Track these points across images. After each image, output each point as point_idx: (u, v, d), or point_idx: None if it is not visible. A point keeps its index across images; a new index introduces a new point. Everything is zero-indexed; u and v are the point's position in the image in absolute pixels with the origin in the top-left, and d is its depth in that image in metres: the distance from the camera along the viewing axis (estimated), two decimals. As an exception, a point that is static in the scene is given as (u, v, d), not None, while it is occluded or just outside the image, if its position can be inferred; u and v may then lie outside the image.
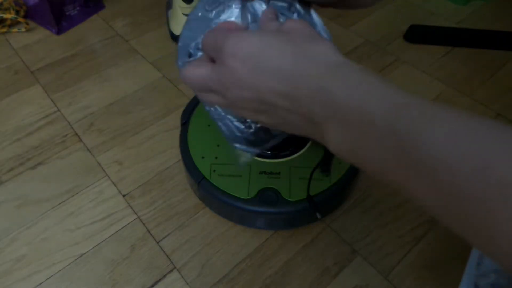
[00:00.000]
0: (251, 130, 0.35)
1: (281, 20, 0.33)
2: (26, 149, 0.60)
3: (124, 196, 0.55)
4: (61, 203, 0.54)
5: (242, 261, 0.48)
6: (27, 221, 0.52)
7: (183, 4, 0.72)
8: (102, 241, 0.50)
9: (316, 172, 0.49)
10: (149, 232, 0.51)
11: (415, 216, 0.52)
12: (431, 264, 0.48)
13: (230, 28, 0.31)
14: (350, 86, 0.25)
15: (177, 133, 0.56)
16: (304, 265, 0.48)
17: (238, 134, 0.35)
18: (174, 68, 0.73)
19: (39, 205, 0.54)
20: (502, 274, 0.37)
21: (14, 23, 0.81)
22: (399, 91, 0.24)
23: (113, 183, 0.56)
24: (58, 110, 0.66)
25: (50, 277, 0.47)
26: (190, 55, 0.36)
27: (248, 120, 0.34)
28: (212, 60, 0.31)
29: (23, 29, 0.80)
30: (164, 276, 0.47)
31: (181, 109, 0.58)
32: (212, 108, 0.35)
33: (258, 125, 0.35)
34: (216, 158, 0.51)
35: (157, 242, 0.50)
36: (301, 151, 0.51)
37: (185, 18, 0.74)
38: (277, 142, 0.37)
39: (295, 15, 0.34)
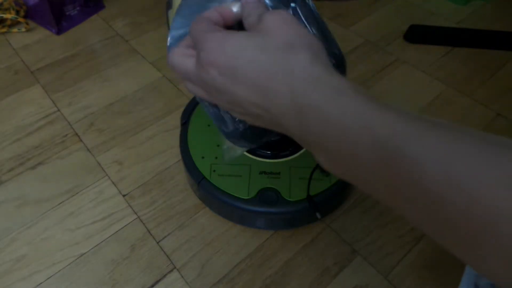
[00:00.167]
0: (243, 126, 0.34)
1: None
2: (26, 149, 0.60)
3: (124, 196, 0.55)
4: (61, 203, 0.54)
5: (242, 261, 0.48)
6: (27, 221, 0.52)
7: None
8: (102, 241, 0.50)
9: (316, 172, 0.49)
10: (149, 232, 0.51)
11: (415, 216, 0.52)
12: (431, 264, 0.48)
13: (214, 20, 0.30)
14: (325, 105, 0.24)
15: (177, 133, 0.56)
16: (304, 265, 0.48)
17: (231, 128, 0.35)
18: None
19: (39, 205, 0.54)
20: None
21: (14, 23, 0.81)
22: (379, 110, 0.23)
23: (113, 183, 0.56)
24: (58, 110, 0.66)
25: (50, 277, 0.47)
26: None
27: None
28: None
29: (23, 29, 0.80)
30: (164, 276, 0.47)
31: (181, 109, 0.58)
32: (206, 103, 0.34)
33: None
34: (216, 158, 0.51)
35: (157, 242, 0.50)
36: (301, 151, 0.51)
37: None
38: (274, 138, 0.37)
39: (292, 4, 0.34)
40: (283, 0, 0.33)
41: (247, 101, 0.27)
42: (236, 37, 0.27)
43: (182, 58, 0.31)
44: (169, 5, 0.90)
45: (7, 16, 0.78)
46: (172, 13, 0.83)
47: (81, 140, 0.62)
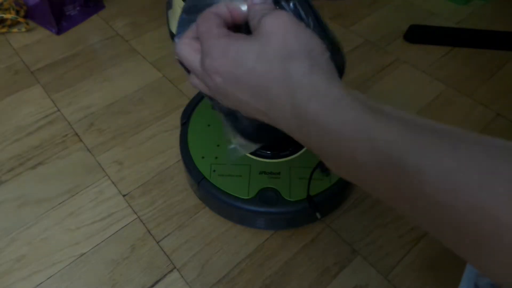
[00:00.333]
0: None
1: None
2: (26, 149, 0.60)
3: (124, 196, 0.55)
4: (61, 203, 0.54)
5: (242, 261, 0.48)
6: (27, 221, 0.52)
7: (183, 4, 0.72)
8: (102, 241, 0.50)
9: (316, 172, 0.49)
10: (149, 232, 0.51)
11: (415, 216, 0.52)
12: (431, 264, 0.48)
13: (223, 17, 0.30)
14: (324, 116, 0.24)
15: (177, 133, 0.56)
16: (304, 265, 0.48)
17: (245, 123, 0.35)
18: (174, 68, 0.73)
19: (39, 205, 0.54)
20: (502, 274, 0.37)
21: (14, 23, 0.81)
22: (379, 119, 0.23)
23: (113, 183, 0.56)
24: (58, 110, 0.66)
25: (50, 277, 0.47)
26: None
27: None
28: None
29: (23, 29, 0.80)
30: (164, 276, 0.47)
31: (181, 109, 0.58)
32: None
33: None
34: (216, 158, 0.51)
35: (157, 242, 0.50)
36: (301, 151, 0.51)
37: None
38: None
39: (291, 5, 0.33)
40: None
41: (250, 107, 0.28)
42: (238, 45, 0.27)
43: (190, 51, 0.30)
44: (169, 5, 0.90)
45: (7, 16, 0.78)
46: (172, 13, 0.83)
47: (81, 140, 0.62)
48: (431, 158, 0.20)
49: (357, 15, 0.84)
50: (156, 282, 0.47)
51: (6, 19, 0.79)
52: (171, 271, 0.48)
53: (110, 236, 0.51)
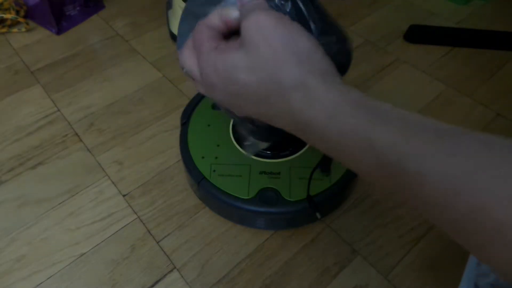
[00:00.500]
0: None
1: None
2: (26, 149, 0.60)
3: (124, 196, 0.55)
4: (61, 203, 0.54)
5: (242, 261, 0.48)
6: (27, 221, 0.52)
7: (183, 4, 0.72)
8: (102, 241, 0.50)
9: (316, 172, 0.49)
10: (149, 232, 0.51)
11: (415, 216, 0.52)
12: (431, 264, 0.48)
13: (216, 28, 0.29)
14: (323, 123, 0.24)
15: (177, 133, 0.56)
16: (304, 265, 0.48)
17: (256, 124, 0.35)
18: (174, 68, 0.73)
19: (39, 205, 0.54)
20: (502, 274, 0.37)
21: (14, 23, 0.81)
22: (378, 122, 0.22)
23: (113, 183, 0.56)
24: (58, 110, 0.66)
25: (50, 277, 0.47)
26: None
27: None
28: None
29: (23, 29, 0.80)
30: (164, 276, 0.47)
31: (181, 109, 0.58)
32: None
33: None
34: (216, 158, 0.51)
35: (157, 242, 0.50)
36: (301, 151, 0.51)
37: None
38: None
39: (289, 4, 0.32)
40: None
41: (254, 114, 0.28)
42: (226, 59, 0.27)
43: (191, 63, 0.30)
44: (169, 5, 0.90)
45: (7, 16, 0.78)
46: (172, 13, 0.83)
47: (81, 140, 0.62)
48: (431, 160, 0.20)
49: (357, 15, 0.84)
50: (156, 282, 0.47)
51: (6, 19, 0.79)
52: (171, 271, 0.48)
53: (110, 236, 0.51)
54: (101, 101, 0.67)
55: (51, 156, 0.59)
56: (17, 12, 0.80)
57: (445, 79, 0.71)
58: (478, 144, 0.20)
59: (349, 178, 0.49)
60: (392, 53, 0.76)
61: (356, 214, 0.52)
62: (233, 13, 0.29)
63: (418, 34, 0.79)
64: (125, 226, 0.52)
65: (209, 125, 0.54)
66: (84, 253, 0.49)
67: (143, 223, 0.52)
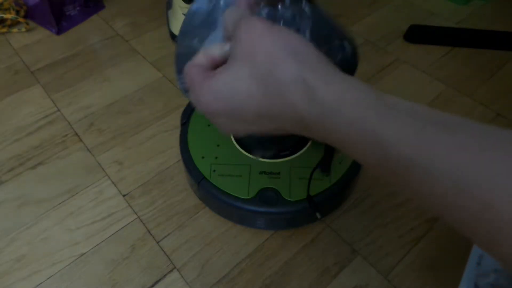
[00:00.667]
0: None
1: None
2: (26, 149, 0.60)
3: (124, 196, 0.55)
4: (61, 203, 0.54)
5: (242, 261, 0.48)
6: (27, 221, 0.52)
7: (183, 4, 0.72)
8: (102, 241, 0.50)
9: (316, 172, 0.49)
10: (149, 232, 0.51)
11: (415, 216, 0.52)
12: (431, 264, 0.48)
13: (203, 66, 0.30)
14: (327, 119, 0.24)
15: (177, 133, 0.56)
16: (304, 265, 0.48)
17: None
18: (174, 69, 0.73)
19: (39, 205, 0.54)
20: (502, 273, 0.37)
21: (14, 23, 0.81)
22: (383, 114, 0.22)
23: (113, 183, 0.56)
24: (58, 110, 0.66)
25: (50, 277, 0.47)
26: (185, 91, 0.36)
27: None
28: None
29: (23, 29, 0.80)
30: (164, 276, 0.47)
31: (181, 109, 0.58)
32: None
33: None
34: (216, 158, 0.51)
35: (157, 242, 0.50)
36: (301, 151, 0.51)
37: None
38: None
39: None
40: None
41: (258, 129, 0.28)
42: (221, 81, 0.27)
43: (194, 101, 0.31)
44: (169, 5, 0.90)
45: (7, 16, 0.78)
46: (172, 13, 0.83)
47: (81, 140, 0.62)
48: (440, 157, 0.20)
49: (357, 15, 0.84)
50: (156, 282, 0.47)
51: (6, 19, 0.79)
52: (171, 271, 0.48)
53: (110, 236, 0.51)
54: (101, 101, 0.67)
55: (51, 156, 0.59)
56: (17, 12, 0.80)
57: (445, 79, 0.71)
58: (488, 138, 0.20)
59: (349, 178, 0.49)
60: (392, 53, 0.76)
61: (356, 214, 0.52)
62: (217, 51, 0.30)
63: (418, 34, 0.79)
64: (125, 226, 0.52)
65: (209, 125, 0.54)
66: (84, 253, 0.49)
67: (143, 223, 0.52)
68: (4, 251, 0.49)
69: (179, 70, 0.36)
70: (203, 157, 0.51)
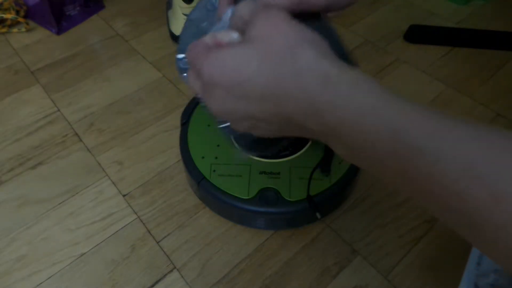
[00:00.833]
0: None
1: None
2: (26, 149, 0.60)
3: (124, 196, 0.55)
4: (61, 203, 0.54)
5: (242, 261, 0.48)
6: (27, 221, 0.52)
7: (183, 4, 0.72)
8: (102, 241, 0.50)
9: (316, 172, 0.49)
10: (149, 232, 0.51)
11: (415, 216, 0.52)
12: (431, 264, 0.48)
13: (207, 45, 0.29)
14: (340, 103, 0.23)
15: (177, 133, 0.56)
16: (304, 265, 0.48)
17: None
18: (174, 68, 0.73)
19: (39, 205, 0.54)
20: (502, 274, 0.37)
21: (14, 23, 0.81)
22: (395, 102, 0.22)
23: (113, 183, 0.56)
24: (58, 110, 0.66)
25: (50, 277, 0.47)
26: (181, 71, 0.36)
27: None
28: None
29: (23, 29, 0.80)
30: (164, 276, 0.47)
31: (181, 109, 0.58)
32: None
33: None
34: (216, 158, 0.51)
35: (157, 242, 0.50)
36: (301, 151, 0.51)
37: (185, 18, 0.74)
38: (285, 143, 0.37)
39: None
40: None
41: (261, 112, 0.27)
42: (233, 52, 0.26)
43: (192, 79, 0.30)
44: (169, 5, 0.90)
45: (7, 16, 0.78)
46: (172, 13, 0.83)
47: (81, 140, 0.62)
48: (451, 145, 0.20)
49: (357, 15, 0.84)
50: (156, 282, 0.47)
51: (6, 19, 0.79)
52: (171, 271, 0.48)
53: (110, 236, 0.51)
54: (101, 101, 0.67)
55: (51, 156, 0.59)
56: (17, 12, 0.80)
57: (445, 79, 0.71)
58: (496, 133, 0.20)
59: (349, 178, 0.49)
60: (392, 53, 0.76)
61: (356, 214, 0.52)
62: (225, 37, 0.29)
63: (418, 34, 0.79)
64: (125, 226, 0.52)
65: (209, 125, 0.54)
66: (84, 253, 0.49)
67: (143, 223, 0.52)
68: (4, 251, 0.49)
69: (181, 50, 0.36)
70: (203, 157, 0.51)
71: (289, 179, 0.49)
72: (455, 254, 0.48)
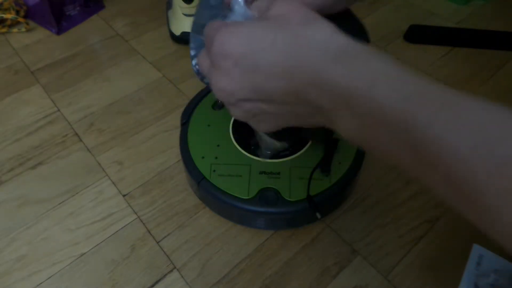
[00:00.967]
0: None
1: None
2: (26, 149, 0.60)
3: (124, 196, 0.55)
4: (61, 203, 0.54)
5: (242, 261, 0.48)
6: (27, 221, 0.52)
7: (183, 4, 0.72)
8: (102, 241, 0.50)
9: (316, 172, 0.49)
10: (149, 232, 0.51)
11: (415, 216, 0.52)
12: (431, 264, 0.48)
13: (225, 23, 0.29)
14: (354, 75, 0.23)
15: (177, 133, 0.56)
16: (304, 265, 0.48)
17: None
18: (174, 68, 0.73)
19: (39, 205, 0.54)
20: (502, 274, 0.37)
21: (14, 23, 0.81)
22: (408, 75, 0.23)
23: (113, 183, 0.56)
24: (58, 110, 0.66)
25: (50, 277, 0.47)
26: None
27: None
28: None
29: (23, 29, 0.80)
30: (164, 276, 0.47)
31: (181, 109, 0.58)
32: None
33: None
34: (216, 158, 0.51)
35: (157, 242, 0.50)
36: (301, 151, 0.51)
37: (185, 18, 0.74)
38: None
39: None
40: None
41: (266, 88, 0.27)
42: (250, 24, 0.27)
43: (201, 60, 0.30)
44: (169, 5, 0.90)
45: (7, 16, 0.78)
46: (172, 13, 0.83)
47: (81, 140, 0.62)
48: (463, 115, 0.20)
49: (357, 15, 0.84)
50: (156, 282, 0.47)
51: (6, 19, 0.79)
52: (171, 271, 0.48)
53: (110, 236, 0.51)
54: (101, 101, 0.67)
55: (51, 156, 0.59)
56: (17, 12, 0.80)
57: (445, 79, 0.71)
58: (494, 109, 0.20)
59: (349, 178, 0.49)
60: (392, 53, 0.76)
61: (356, 214, 0.52)
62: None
63: (418, 34, 0.79)
64: (125, 226, 0.52)
65: (209, 125, 0.54)
66: (84, 253, 0.49)
67: (143, 223, 0.52)
68: (4, 251, 0.49)
69: (196, 30, 0.36)
70: (203, 157, 0.51)
71: (289, 179, 0.49)
72: (455, 254, 0.48)
